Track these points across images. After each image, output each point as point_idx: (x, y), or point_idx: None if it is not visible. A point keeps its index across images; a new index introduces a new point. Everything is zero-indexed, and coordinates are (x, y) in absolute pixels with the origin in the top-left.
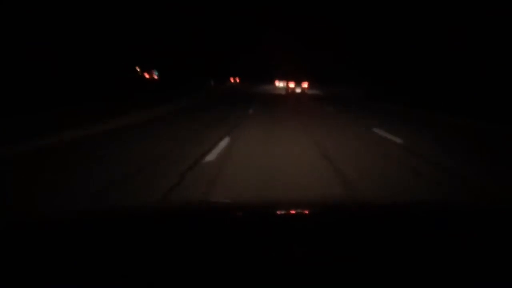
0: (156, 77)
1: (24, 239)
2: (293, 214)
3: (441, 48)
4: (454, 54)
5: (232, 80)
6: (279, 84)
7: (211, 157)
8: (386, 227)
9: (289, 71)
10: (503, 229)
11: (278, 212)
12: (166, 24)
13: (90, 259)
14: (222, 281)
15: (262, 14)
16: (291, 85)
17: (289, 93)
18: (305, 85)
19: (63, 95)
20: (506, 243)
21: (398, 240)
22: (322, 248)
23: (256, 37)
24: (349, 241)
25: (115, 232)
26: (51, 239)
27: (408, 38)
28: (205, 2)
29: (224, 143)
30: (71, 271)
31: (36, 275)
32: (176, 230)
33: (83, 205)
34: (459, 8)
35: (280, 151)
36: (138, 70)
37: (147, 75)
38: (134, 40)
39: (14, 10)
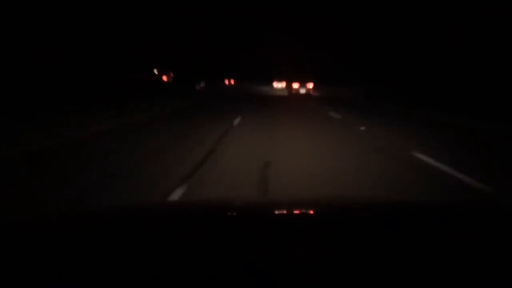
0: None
1: (24, 239)
2: (292, 213)
3: (441, 48)
4: (454, 54)
5: (226, 82)
6: (278, 85)
7: None
8: (386, 227)
9: (292, 71)
10: (503, 229)
11: (278, 212)
12: (165, 24)
13: (90, 259)
14: (222, 281)
15: (262, 14)
16: (295, 86)
17: (293, 94)
18: (310, 85)
19: (63, 95)
20: (506, 243)
21: (398, 240)
22: (322, 247)
23: (256, 37)
24: (349, 241)
25: (115, 232)
26: (51, 239)
27: (408, 38)
28: (205, 2)
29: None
30: (71, 271)
31: (36, 275)
32: (176, 229)
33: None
34: (459, 8)
35: None
36: (156, 72)
37: (165, 78)
38: (139, 40)
39: (14, 10)
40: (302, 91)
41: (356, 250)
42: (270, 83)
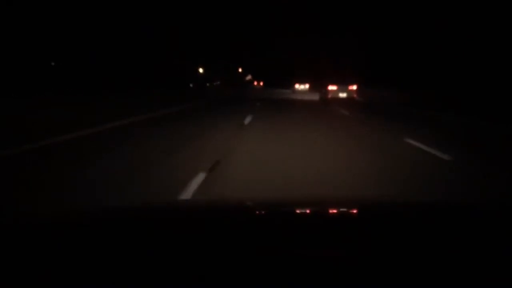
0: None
1: (24, 239)
2: (295, 213)
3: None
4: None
5: (255, 83)
6: (299, 87)
7: None
8: (387, 226)
9: (326, 70)
10: (503, 229)
11: (282, 211)
12: (166, 24)
13: (90, 259)
14: (227, 281)
15: (267, 14)
16: (332, 88)
17: (328, 100)
18: (353, 87)
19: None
20: (506, 243)
21: (399, 240)
22: (325, 247)
23: (260, 37)
24: (351, 241)
25: (116, 232)
26: (51, 239)
27: (414, 38)
28: (205, 2)
29: None
30: (71, 271)
31: (36, 275)
32: (180, 230)
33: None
34: (460, 8)
35: None
36: (250, 77)
37: (256, 83)
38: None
39: (20, 10)
40: (342, 95)
41: (358, 250)
42: (291, 85)
